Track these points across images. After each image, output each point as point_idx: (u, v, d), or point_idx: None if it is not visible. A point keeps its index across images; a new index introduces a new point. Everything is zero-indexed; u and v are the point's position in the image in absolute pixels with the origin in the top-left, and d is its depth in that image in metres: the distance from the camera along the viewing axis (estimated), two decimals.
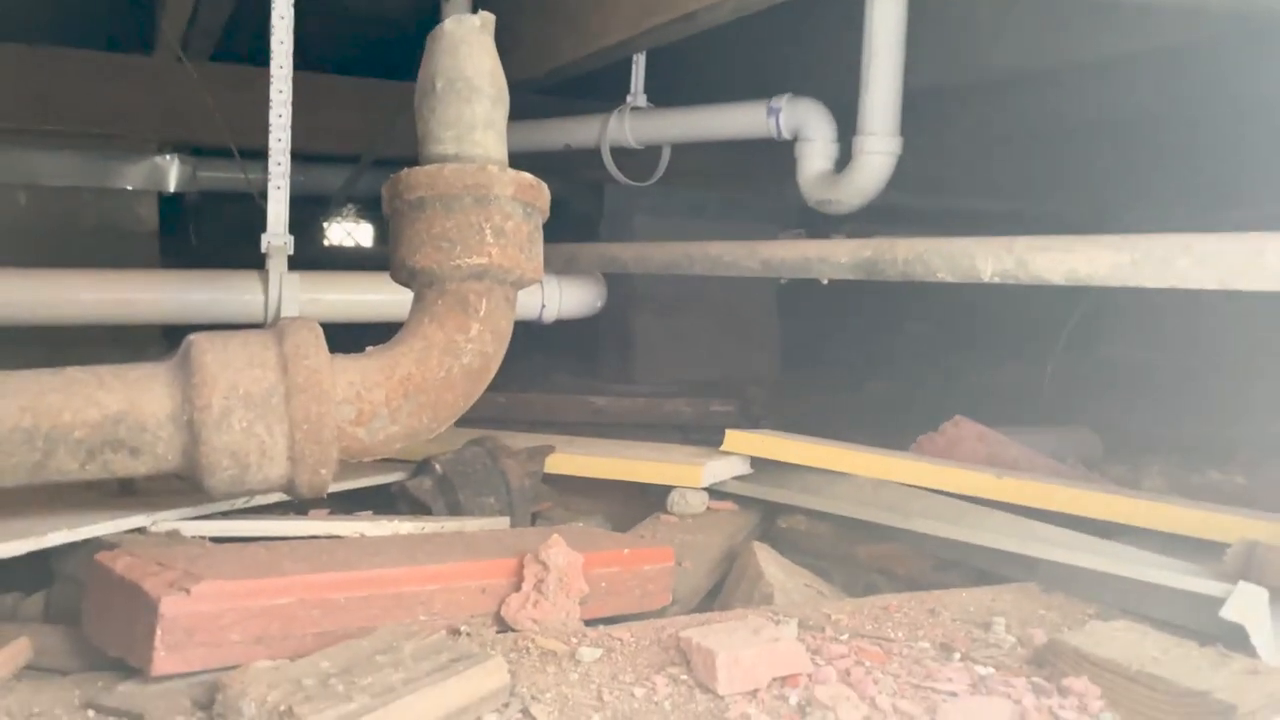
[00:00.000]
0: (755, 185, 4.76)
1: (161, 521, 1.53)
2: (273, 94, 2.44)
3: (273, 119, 2.44)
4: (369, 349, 1.56)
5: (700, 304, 4.31)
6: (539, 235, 1.64)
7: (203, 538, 1.52)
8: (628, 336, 4.62)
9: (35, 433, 1.31)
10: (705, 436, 3.46)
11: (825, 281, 2.07)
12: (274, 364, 1.40)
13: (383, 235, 6.75)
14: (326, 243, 6.48)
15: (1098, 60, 3.37)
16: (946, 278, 1.79)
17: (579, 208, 4.80)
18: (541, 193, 1.62)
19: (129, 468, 1.37)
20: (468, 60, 1.58)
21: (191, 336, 1.43)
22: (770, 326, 4.76)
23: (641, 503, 2.30)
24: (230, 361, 1.39)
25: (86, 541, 1.46)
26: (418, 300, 1.59)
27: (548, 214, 1.67)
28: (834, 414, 4.14)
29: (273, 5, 2.40)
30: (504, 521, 1.95)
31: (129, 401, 1.36)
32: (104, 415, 1.34)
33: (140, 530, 1.52)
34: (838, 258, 2.00)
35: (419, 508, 2.03)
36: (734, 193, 4.70)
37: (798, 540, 2.16)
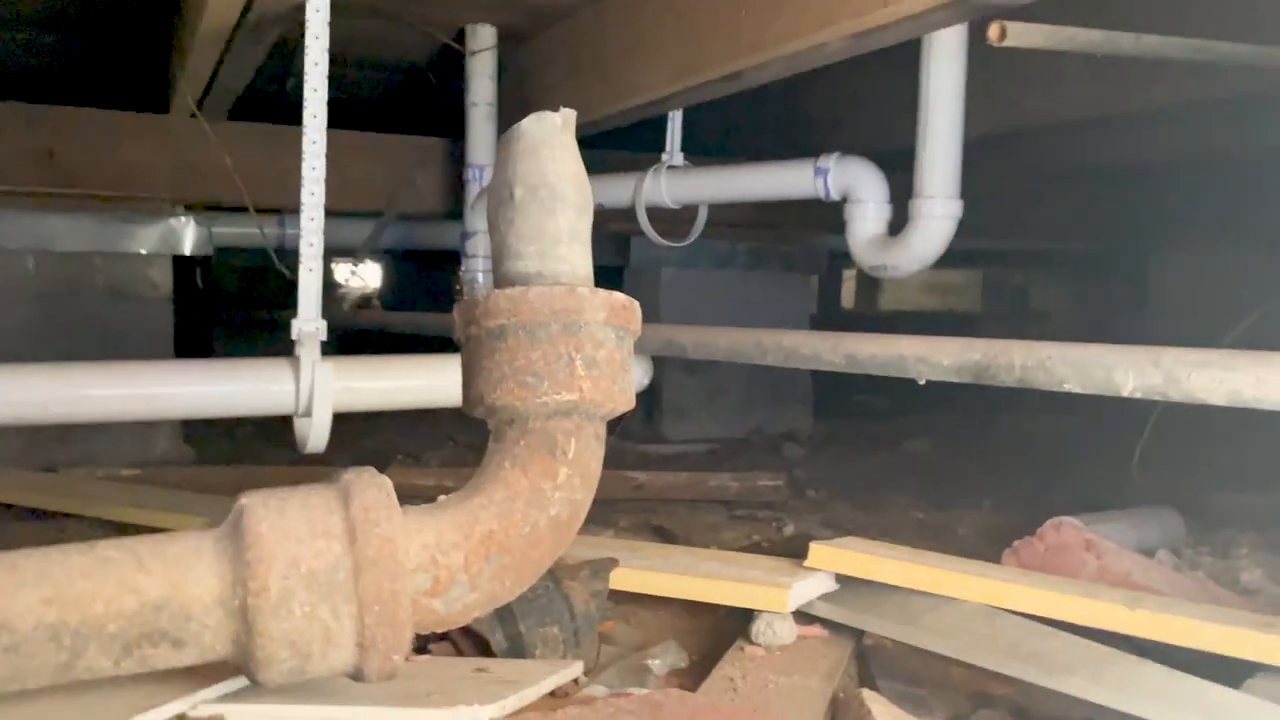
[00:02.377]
0: (788, 235, 4.63)
1: (202, 706, 1.33)
2: (305, 170, 2.27)
3: (304, 198, 2.28)
4: (442, 498, 1.36)
5: None
6: (631, 360, 1.45)
7: None
8: (654, 394, 4.43)
9: (62, 629, 1.11)
10: (752, 512, 3.28)
11: (922, 383, 1.87)
12: (340, 532, 1.20)
13: (390, 282, 6.57)
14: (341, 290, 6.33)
15: (1146, 110, 3.28)
16: (1075, 389, 1.60)
17: (603, 259, 4.62)
18: (634, 314, 1.43)
19: (171, 661, 1.17)
20: (550, 164, 1.38)
21: (244, 500, 1.22)
22: (802, 375, 4.58)
23: (712, 616, 2.10)
24: (289, 531, 1.18)
25: None
26: (496, 439, 1.39)
27: (639, 333, 1.47)
28: (877, 478, 3.96)
29: (307, 55, 2.23)
30: (575, 668, 1.73)
31: (171, 585, 1.16)
32: (142, 603, 1.14)
33: (180, 717, 1.31)
34: (939, 359, 1.80)
35: (476, 640, 1.83)
36: (765, 243, 4.56)
37: (886, 661, 1.96)
